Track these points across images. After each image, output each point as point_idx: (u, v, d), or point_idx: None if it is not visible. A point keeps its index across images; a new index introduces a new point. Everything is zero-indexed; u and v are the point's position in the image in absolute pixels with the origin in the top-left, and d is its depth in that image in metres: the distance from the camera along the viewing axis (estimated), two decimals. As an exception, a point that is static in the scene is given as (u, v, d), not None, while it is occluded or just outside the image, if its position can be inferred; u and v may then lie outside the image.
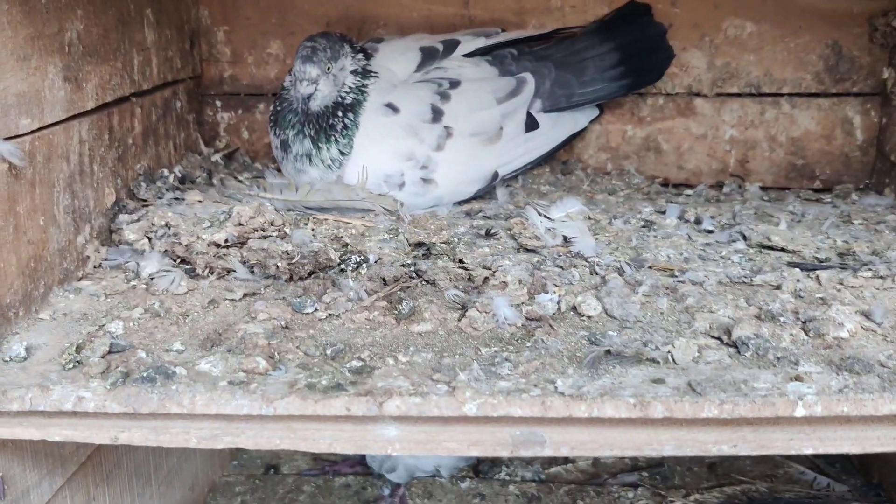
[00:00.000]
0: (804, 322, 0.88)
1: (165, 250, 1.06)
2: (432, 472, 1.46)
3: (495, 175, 1.33)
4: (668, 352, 0.82)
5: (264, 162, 1.50)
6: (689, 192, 1.44)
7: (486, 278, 0.99)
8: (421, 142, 1.25)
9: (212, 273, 1.03)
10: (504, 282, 0.97)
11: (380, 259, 1.05)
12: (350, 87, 1.25)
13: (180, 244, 1.06)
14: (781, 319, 0.89)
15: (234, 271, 1.03)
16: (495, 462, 1.50)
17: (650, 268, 1.04)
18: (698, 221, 1.23)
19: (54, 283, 0.98)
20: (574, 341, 0.86)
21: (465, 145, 1.28)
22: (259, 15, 1.48)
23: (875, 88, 1.45)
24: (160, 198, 1.20)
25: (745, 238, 1.15)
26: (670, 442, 0.78)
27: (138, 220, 1.11)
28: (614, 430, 0.78)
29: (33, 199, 0.93)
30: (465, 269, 1.03)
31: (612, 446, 0.78)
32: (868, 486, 1.42)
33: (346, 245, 1.10)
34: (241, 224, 1.08)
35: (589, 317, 0.92)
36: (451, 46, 1.35)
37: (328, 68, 1.22)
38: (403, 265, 1.04)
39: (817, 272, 1.01)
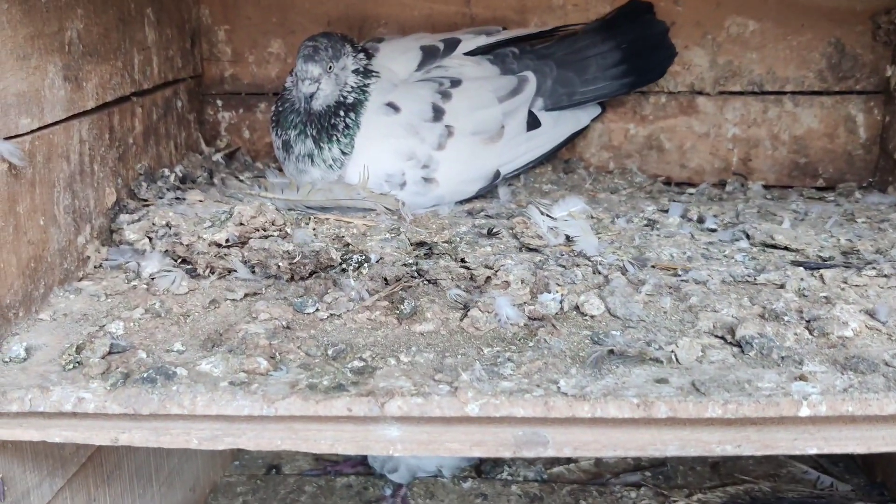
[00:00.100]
0: (808, 321, 0.88)
1: (166, 250, 1.06)
2: (434, 473, 1.45)
3: (497, 174, 1.33)
4: (672, 351, 0.82)
5: (265, 161, 1.50)
6: (691, 190, 1.43)
7: (489, 278, 0.99)
8: (422, 141, 1.24)
9: (213, 273, 1.02)
10: (506, 281, 0.96)
11: (381, 259, 1.05)
12: (352, 87, 1.25)
13: (181, 244, 1.05)
14: (785, 318, 0.88)
15: (236, 271, 1.02)
16: (497, 462, 1.49)
17: (653, 267, 1.04)
18: (701, 220, 1.22)
19: (54, 283, 0.98)
20: (577, 341, 0.86)
21: (466, 144, 1.27)
22: (260, 14, 1.48)
23: (878, 86, 1.44)
24: (161, 197, 1.19)
25: (748, 237, 1.14)
26: (674, 442, 0.77)
27: (139, 220, 1.11)
28: (617, 431, 0.77)
29: (33, 199, 0.93)
30: (467, 268, 1.03)
31: (615, 447, 0.78)
32: (871, 486, 1.41)
33: (348, 245, 1.09)
34: (242, 224, 1.07)
35: (592, 316, 0.91)
36: (451, 45, 1.35)
37: (330, 67, 1.21)
38: (405, 265, 1.03)
39: (821, 271, 1.01)
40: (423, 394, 0.75)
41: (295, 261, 1.01)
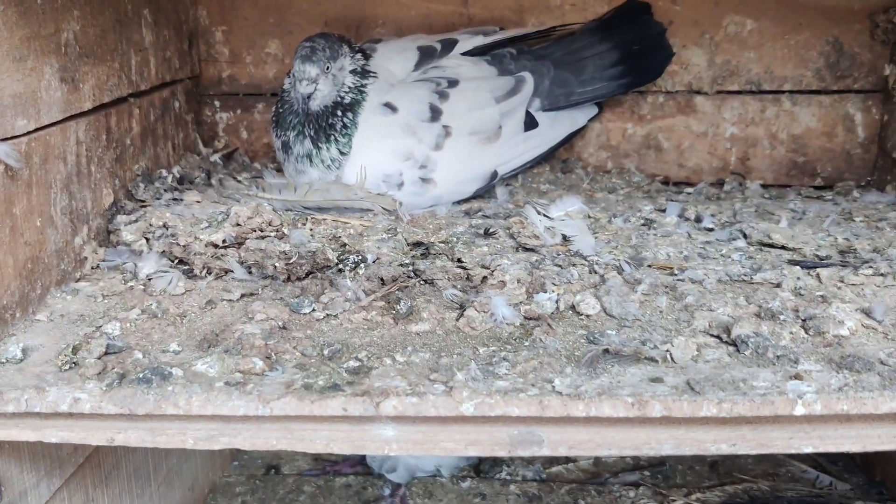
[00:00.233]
0: (804, 320, 0.88)
1: (163, 251, 1.06)
2: (433, 472, 1.45)
3: (494, 174, 1.33)
4: (667, 350, 0.82)
5: (263, 162, 1.50)
6: (689, 190, 1.43)
7: (485, 277, 0.99)
8: (419, 141, 1.24)
9: (209, 273, 1.03)
10: (502, 281, 0.96)
11: (378, 259, 1.05)
12: (349, 87, 1.25)
13: (178, 245, 1.06)
14: (781, 317, 0.88)
15: (232, 272, 1.02)
16: (496, 462, 1.50)
17: (649, 266, 1.04)
18: (698, 219, 1.22)
19: (51, 284, 0.98)
20: (572, 340, 0.86)
21: (463, 144, 1.27)
22: (257, 15, 1.48)
23: (876, 85, 1.44)
24: (158, 198, 1.19)
25: (745, 236, 1.14)
26: (669, 441, 0.77)
27: (136, 221, 1.11)
28: (612, 430, 0.77)
29: (30, 200, 0.93)
30: (464, 268, 1.03)
31: (610, 446, 0.78)
32: (870, 485, 1.41)
33: (345, 245, 1.09)
34: (238, 224, 1.08)
35: (587, 316, 0.91)
36: (449, 45, 1.35)
37: (327, 68, 1.22)
38: (401, 265, 1.04)
39: (818, 270, 1.01)
40: (419, 393, 0.75)
41: (291, 261, 1.01)
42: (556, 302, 0.93)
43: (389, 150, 1.24)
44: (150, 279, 1.01)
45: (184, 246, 1.05)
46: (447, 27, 1.47)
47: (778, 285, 0.98)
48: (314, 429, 0.78)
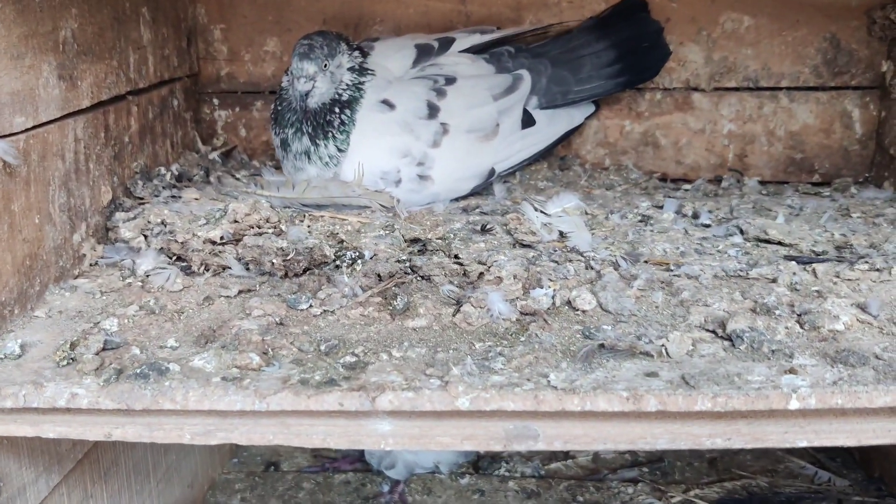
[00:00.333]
0: (799, 315, 0.88)
1: (161, 248, 1.06)
2: (432, 469, 1.46)
3: (492, 172, 1.33)
4: (662, 345, 0.82)
5: (262, 159, 1.50)
6: (687, 186, 1.43)
7: (481, 273, 0.99)
8: (417, 138, 1.25)
9: (207, 270, 1.03)
10: (499, 277, 0.97)
11: (375, 255, 1.05)
12: (347, 85, 1.25)
13: (176, 241, 1.06)
14: (777, 312, 0.88)
15: (230, 268, 1.03)
16: (495, 458, 1.50)
17: (646, 262, 1.04)
18: (696, 216, 1.22)
19: (50, 280, 0.99)
20: (568, 335, 0.86)
21: (461, 142, 1.28)
22: (256, 12, 1.49)
23: (874, 81, 1.44)
24: (157, 196, 1.20)
25: (742, 232, 1.14)
26: (664, 435, 0.78)
27: (134, 218, 1.12)
28: (608, 424, 0.77)
29: (28, 197, 0.94)
30: (461, 264, 1.03)
31: (605, 440, 0.78)
32: (869, 481, 1.41)
33: (342, 241, 1.10)
34: (236, 221, 1.08)
35: (583, 311, 0.92)
36: (446, 44, 1.35)
37: (325, 65, 1.22)
38: (399, 261, 1.04)
39: (814, 265, 1.01)
40: (414, 388, 0.75)
41: (289, 257, 1.02)
42: (553, 297, 0.93)
43: (387, 147, 1.24)
44: (148, 276, 1.02)
45: (182, 243, 1.06)
46: (445, 25, 1.47)
47: (774, 280, 0.98)
48: (311, 424, 0.78)
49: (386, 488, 1.44)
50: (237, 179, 1.37)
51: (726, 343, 0.84)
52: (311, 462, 1.53)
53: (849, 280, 0.97)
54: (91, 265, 1.07)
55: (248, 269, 1.03)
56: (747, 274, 1.00)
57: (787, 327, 0.86)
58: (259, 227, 1.09)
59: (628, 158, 1.51)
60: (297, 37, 1.27)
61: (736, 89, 1.47)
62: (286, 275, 1.01)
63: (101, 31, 1.12)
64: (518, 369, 0.79)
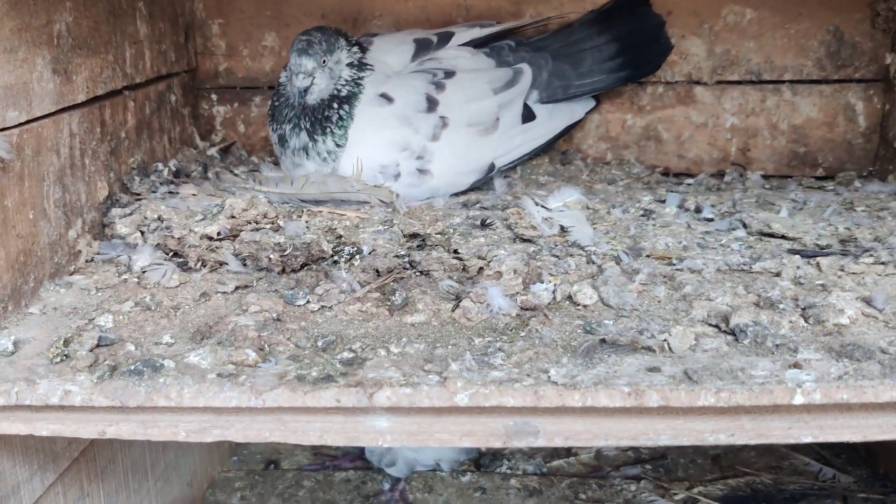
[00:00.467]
0: (804, 309, 0.87)
1: (158, 244, 1.05)
2: (433, 466, 1.45)
3: (492, 167, 1.32)
4: (665, 340, 0.81)
5: (261, 155, 1.49)
6: (689, 181, 1.42)
7: (481, 268, 0.98)
8: (416, 131, 1.23)
9: (204, 266, 1.02)
10: (499, 272, 0.95)
11: (374, 250, 1.04)
12: (346, 80, 1.24)
13: (172, 237, 1.05)
14: (780, 306, 0.87)
15: (227, 264, 1.02)
16: (496, 455, 1.49)
17: (648, 256, 1.03)
18: (698, 210, 1.21)
19: (45, 277, 0.97)
20: (569, 331, 0.85)
21: (461, 135, 1.26)
22: (254, 7, 1.47)
23: (878, 74, 1.43)
24: (154, 192, 1.19)
25: (745, 226, 1.13)
26: (666, 431, 0.76)
27: (131, 214, 1.10)
28: (609, 420, 0.76)
29: (22, 192, 0.92)
30: (460, 259, 1.02)
31: (607, 436, 0.77)
32: (874, 477, 1.40)
33: (340, 237, 1.08)
34: (233, 216, 1.07)
35: (585, 306, 0.90)
36: (445, 38, 1.34)
37: (324, 61, 1.21)
38: (397, 256, 1.03)
39: (818, 259, 0.99)
40: (413, 384, 0.74)
41: (286, 253, 1.00)
42: (553, 292, 0.92)
43: (386, 140, 1.23)
44: (144, 272, 1.01)
45: (178, 238, 1.05)
46: (445, 19, 1.46)
47: (777, 274, 0.96)
48: (308, 420, 0.77)
49: (387, 486, 1.43)
50: (235, 175, 1.35)
51: (730, 337, 0.82)
52: (312, 460, 1.52)
53: (853, 274, 0.96)
54: (87, 261, 1.06)
55: (245, 264, 1.02)
56: (751, 268, 0.98)
57: (791, 321, 0.84)
58: (256, 223, 1.08)
59: (630, 153, 1.50)
60: (295, 32, 1.26)
61: (738, 83, 1.46)
62: (283, 270, 1.00)
63: (97, 25, 1.11)
64: (518, 365, 0.78)
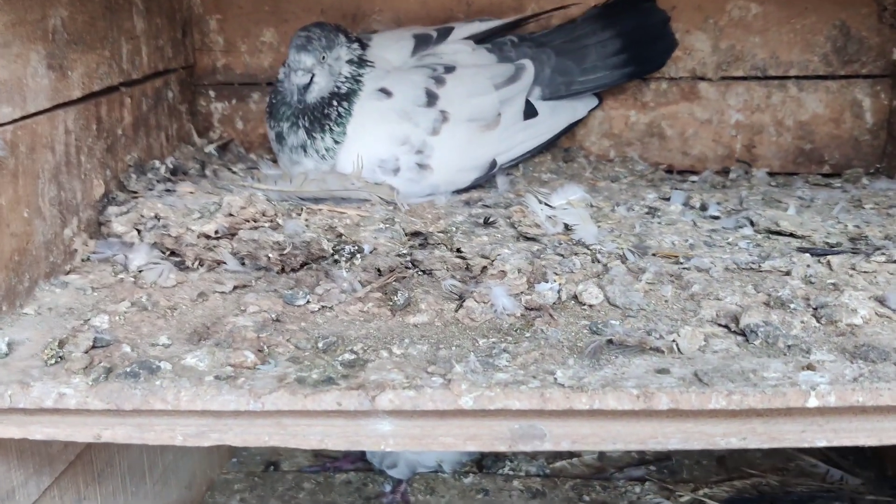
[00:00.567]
0: (815, 308, 0.85)
1: (155, 242, 1.03)
2: (434, 468, 1.43)
3: (493, 163, 1.30)
4: (673, 341, 0.79)
5: (259, 152, 1.47)
6: (694, 178, 1.40)
7: (485, 267, 0.96)
8: (416, 126, 1.21)
9: (201, 265, 1.00)
10: (503, 271, 0.94)
11: (375, 249, 1.02)
12: (346, 77, 1.22)
13: (169, 236, 1.03)
14: (791, 306, 0.85)
15: (225, 263, 1.00)
16: (499, 457, 1.47)
17: (654, 255, 1.01)
18: (704, 207, 1.19)
19: (40, 276, 0.95)
20: (575, 331, 0.83)
21: (461, 131, 1.25)
22: (252, 3, 1.45)
23: (885, 70, 1.41)
24: (151, 189, 1.17)
25: (752, 224, 1.11)
26: (676, 435, 0.75)
27: (127, 212, 1.08)
28: (617, 423, 0.74)
29: (16, 190, 0.91)
30: (463, 258, 1.00)
31: (614, 440, 0.75)
32: (882, 479, 1.38)
33: (340, 235, 1.06)
34: (231, 215, 1.05)
35: (590, 305, 0.89)
36: (445, 33, 1.32)
37: (323, 58, 1.19)
38: (399, 255, 1.01)
39: (828, 257, 0.98)
40: (416, 386, 0.72)
41: (285, 252, 0.98)
42: (558, 292, 0.90)
43: (385, 134, 1.21)
44: (140, 271, 0.99)
45: (175, 237, 1.03)
46: (446, 14, 1.44)
47: (787, 273, 0.95)
48: (308, 424, 0.76)
49: (388, 488, 1.41)
50: (234, 173, 1.33)
51: (740, 338, 0.81)
52: (312, 462, 1.50)
53: (865, 272, 0.94)
54: (83, 260, 1.04)
55: (243, 263, 1.00)
56: (759, 266, 0.97)
57: (802, 321, 0.83)
58: (255, 221, 1.06)
59: (634, 150, 1.48)
60: (294, 27, 1.24)
61: (744, 78, 1.44)
62: (283, 270, 0.98)
63: (93, 21, 1.09)
64: (523, 366, 0.76)
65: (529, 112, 1.34)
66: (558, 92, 1.38)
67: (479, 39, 1.35)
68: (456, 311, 0.88)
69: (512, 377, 0.74)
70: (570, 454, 1.48)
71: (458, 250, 1.03)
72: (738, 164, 1.45)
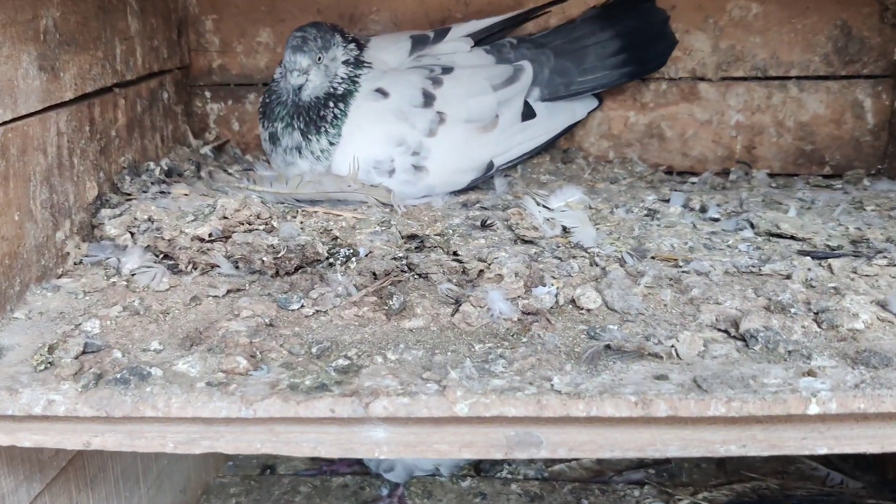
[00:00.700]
0: (816, 313, 0.84)
1: (148, 245, 1.02)
2: (432, 471, 1.42)
3: (490, 165, 1.28)
4: (672, 346, 0.78)
5: (255, 154, 1.46)
6: (693, 179, 1.39)
7: (481, 271, 0.95)
8: (412, 127, 1.20)
9: (195, 269, 0.99)
10: (500, 274, 0.92)
11: (370, 252, 1.01)
12: (342, 78, 1.21)
13: (163, 239, 1.02)
14: (792, 311, 0.84)
15: (218, 267, 0.98)
16: (497, 460, 1.46)
17: (653, 258, 1.00)
18: (703, 209, 1.18)
19: (31, 280, 0.94)
20: (572, 336, 0.82)
21: (458, 132, 1.23)
22: (248, 3, 1.44)
23: (886, 70, 1.40)
24: (145, 192, 1.15)
25: (752, 226, 1.10)
26: (675, 442, 0.73)
27: (121, 215, 1.07)
28: (615, 430, 0.73)
29: (7, 193, 0.89)
30: (460, 261, 0.99)
31: (612, 447, 0.74)
32: (883, 483, 1.37)
33: (336, 238, 1.05)
34: (225, 217, 1.04)
35: (588, 310, 0.87)
36: (442, 33, 1.31)
37: (319, 58, 1.18)
38: (395, 258, 1.00)
39: (829, 260, 0.96)
40: (410, 393, 0.71)
41: (280, 255, 0.97)
42: (556, 296, 0.89)
43: (380, 135, 1.20)
44: (133, 275, 0.98)
45: (169, 240, 1.01)
46: (443, 14, 1.43)
47: (788, 277, 0.93)
48: (301, 431, 0.74)
49: (385, 492, 1.40)
50: (229, 174, 1.32)
51: (740, 343, 0.80)
52: (309, 465, 1.49)
53: (867, 276, 0.93)
54: (75, 264, 1.03)
55: (237, 267, 0.98)
56: (760, 270, 0.95)
57: (803, 326, 0.81)
58: (249, 224, 1.04)
59: (633, 151, 1.47)
60: (290, 27, 1.23)
61: (744, 79, 1.43)
62: (277, 273, 0.97)
63: (85, 21, 1.08)
64: (520, 372, 0.75)
65: (528, 113, 1.33)
66: (557, 93, 1.37)
67: (479, 40, 1.34)
68: (452, 315, 0.86)
69: (508, 383, 0.72)
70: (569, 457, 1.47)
71: (455, 253, 1.02)
72: (739, 166, 1.44)
